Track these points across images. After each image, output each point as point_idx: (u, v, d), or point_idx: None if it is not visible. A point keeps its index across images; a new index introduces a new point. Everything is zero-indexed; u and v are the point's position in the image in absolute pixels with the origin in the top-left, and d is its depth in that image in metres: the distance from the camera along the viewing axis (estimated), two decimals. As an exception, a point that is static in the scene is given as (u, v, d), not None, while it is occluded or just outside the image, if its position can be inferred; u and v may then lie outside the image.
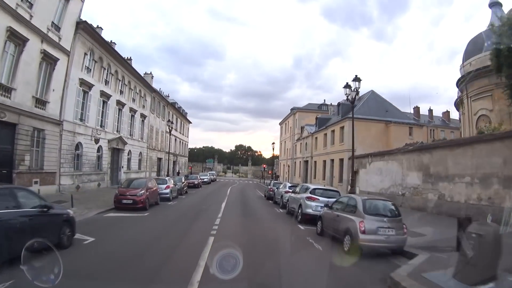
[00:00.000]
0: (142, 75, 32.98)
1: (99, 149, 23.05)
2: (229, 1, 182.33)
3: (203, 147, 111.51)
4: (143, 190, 14.09)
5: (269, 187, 25.16)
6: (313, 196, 12.66)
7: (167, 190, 18.16)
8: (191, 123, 62.55)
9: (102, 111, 23.47)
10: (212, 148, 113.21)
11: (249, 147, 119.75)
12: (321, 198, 12.29)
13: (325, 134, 34.47)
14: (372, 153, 22.77)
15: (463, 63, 24.53)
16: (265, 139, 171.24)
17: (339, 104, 35.46)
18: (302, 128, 44.86)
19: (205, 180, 39.11)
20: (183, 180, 24.82)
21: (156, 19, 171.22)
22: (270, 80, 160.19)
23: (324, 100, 52.70)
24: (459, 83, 24.82)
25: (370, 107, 30.71)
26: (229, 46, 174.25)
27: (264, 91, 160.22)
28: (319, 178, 35.50)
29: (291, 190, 16.65)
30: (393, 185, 19.02)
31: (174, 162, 49.03)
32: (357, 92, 15.17)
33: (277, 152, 61.54)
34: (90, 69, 21.22)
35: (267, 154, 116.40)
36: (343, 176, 28.60)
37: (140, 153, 33.06)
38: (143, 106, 33.70)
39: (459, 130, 31.61)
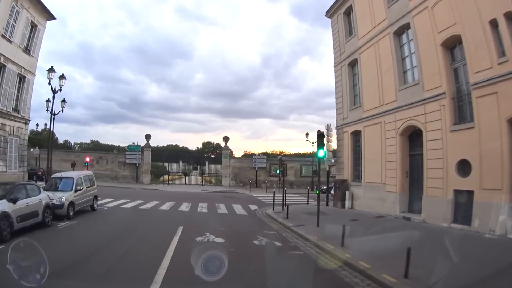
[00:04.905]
0: None
1: None
2: (198, 0, 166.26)
3: (167, 145, 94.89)
4: None
5: None
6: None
7: None
8: (54, 18, 21.62)
9: None
10: (176, 146, 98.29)
11: (218, 144, 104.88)
12: None
13: None
14: None
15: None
16: (234, 140, 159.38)
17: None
18: None
19: None
20: None
21: (124, 19, 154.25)
22: (238, 79, 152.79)
23: None
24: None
25: None
26: (198, 46, 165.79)
27: (232, 90, 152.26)
28: None
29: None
30: None
31: None
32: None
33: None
34: None
35: (238, 154, 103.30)
36: None
37: None
38: None
39: None
